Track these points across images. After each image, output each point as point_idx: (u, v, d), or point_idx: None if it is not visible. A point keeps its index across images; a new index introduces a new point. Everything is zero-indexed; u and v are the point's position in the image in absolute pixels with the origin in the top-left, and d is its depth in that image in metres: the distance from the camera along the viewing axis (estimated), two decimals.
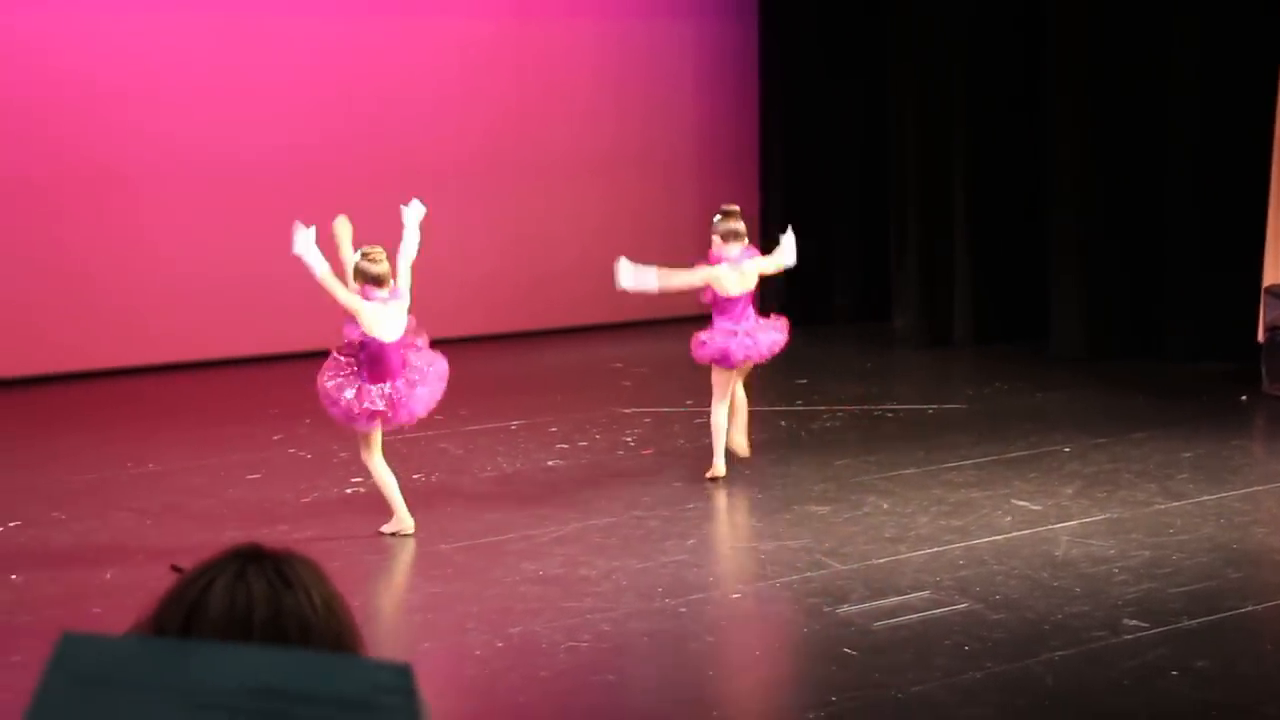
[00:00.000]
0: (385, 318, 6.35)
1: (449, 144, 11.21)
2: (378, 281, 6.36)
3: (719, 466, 7.32)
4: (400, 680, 1.13)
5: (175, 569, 1.61)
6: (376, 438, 6.44)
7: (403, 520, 6.51)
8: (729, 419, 7.32)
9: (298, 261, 6.37)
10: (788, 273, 12.12)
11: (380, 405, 6.30)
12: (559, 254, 11.60)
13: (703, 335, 7.29)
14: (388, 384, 6.34)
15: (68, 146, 9.97)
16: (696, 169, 12.19)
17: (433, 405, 6.51)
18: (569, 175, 11.67)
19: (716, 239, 7.28)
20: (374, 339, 6.33)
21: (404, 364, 6.41)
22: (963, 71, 10.94)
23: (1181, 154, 10.03)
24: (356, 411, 6.31)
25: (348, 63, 10.81)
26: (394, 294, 6.41)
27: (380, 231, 11.30)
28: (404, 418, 6.40)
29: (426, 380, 6.43)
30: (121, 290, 10.20)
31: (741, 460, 7.52)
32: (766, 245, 12.21)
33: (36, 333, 9.94)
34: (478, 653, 5.19)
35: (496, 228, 11.45)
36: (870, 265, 12.01)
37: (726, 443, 7.34)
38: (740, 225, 7.30)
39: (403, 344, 6.43)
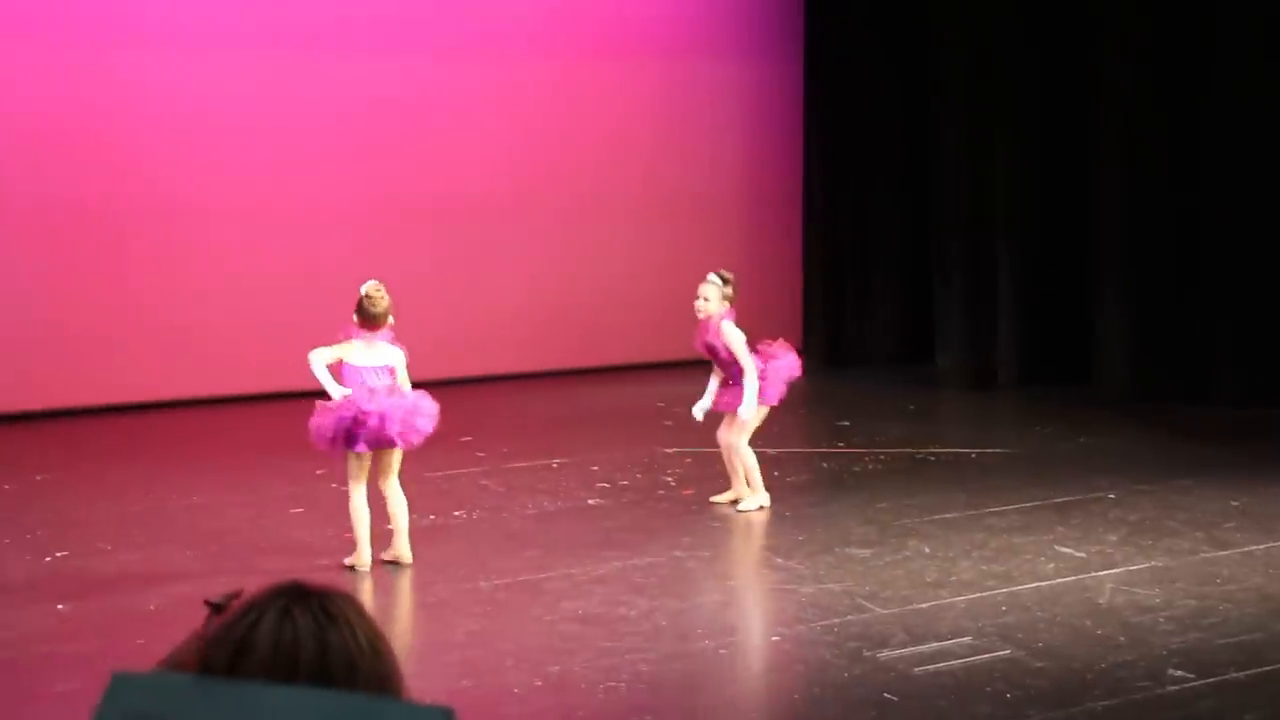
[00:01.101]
0: (363, 353, 6.45)
1: (495, 183, 11.29)
2: (373, 322, 6.43)
3: (764, 496, 7.53)
4: None
5: (208, 604, 1.62)
6: (359, 467, 6.46)
7: (361, 556, 6.53)
8: None
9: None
10: (832, 314, 12.26)
11: (335, 403, 6.35)
12: (603, 293, 11.64)
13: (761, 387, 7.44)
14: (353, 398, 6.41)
15: (134, 180, 10.12)
16: (740, 208, 12.22)
17: (407, 426, 6.41)
18: (616, 214, 11.72)
19: (726, 303, 7.43)
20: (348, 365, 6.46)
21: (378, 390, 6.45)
22: (1006, 114, 10.93)
23: (1228, 197, 9.98)
24: (324, 426, 6.35)
25: (402, 104, 10.93)
26: (382, 335, 6.47)
27: (424, 266, 11.33)
28: (372, 419, 6.34)
29: (406, 401, 6.43)
30: (172, 325, 10.30)
31: (779, 501, 7.55)
32: (809, 287, 12.26)
33: (88, 365, 10.04)
34: (516, 691, 5.18)
35: (541, 266, 11.50)
36: (913, 307, 11.99)
37: None
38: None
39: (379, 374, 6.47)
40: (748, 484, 7.55)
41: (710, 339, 7.45)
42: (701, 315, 7.45)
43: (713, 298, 7.42)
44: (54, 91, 9.89)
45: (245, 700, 1.16)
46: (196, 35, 10.28)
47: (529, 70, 11.39)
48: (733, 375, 7.45)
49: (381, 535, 6.68)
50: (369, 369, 6.46)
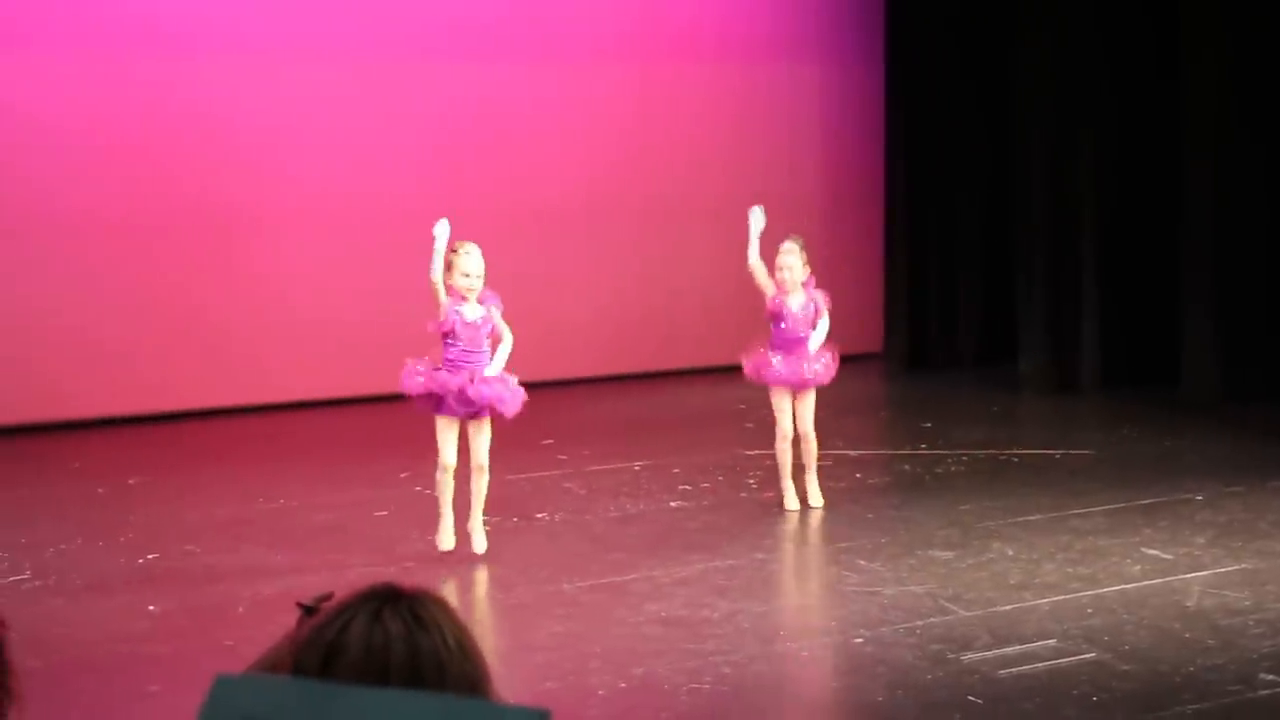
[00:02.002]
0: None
1: (573, 187, 11.33)
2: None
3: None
4: None
5: (300, 606, 1.66)
6: (444, 438, 6.60)
7: (441, 536, 6.70)
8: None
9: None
10: (914, 315, 12.18)
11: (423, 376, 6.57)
12: (683, 295, 11.65)
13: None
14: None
15: (198, 188, 10.20)
16: (821, 210, 12.17)
17: (496, 398, 6.59)
18: (695, 217, 11.72)
19: (806, 268, 7.55)
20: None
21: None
22: (1089, 113, 10.80)
23: None
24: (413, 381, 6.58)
25: (470, 107, 10.98)
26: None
27: (503, 270, 11.45)
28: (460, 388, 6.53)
29: (499, 380, 6.60)
30: (251, 331, 10.43)
31: (859, 504, 7.53)
32: (890, 289, 12.19)
33: (171, 372, 10.20)
34: (600, 693, 5.22)
35: (621, 269, 11.53)
36: (996, 308, 11.88)
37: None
38: None
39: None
40: (790, 473, 7.53)
41: (787, 305, 7.46)
42: (788, 286, 7.49)
43: (797, 265, 7.49)
44: (97, 101, 9.89)
45: (345, 702, 1.18)
46: (228, 41, 10.23)
47: (607, 74, 11.42)
48: (795, 343, 7.45)
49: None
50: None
